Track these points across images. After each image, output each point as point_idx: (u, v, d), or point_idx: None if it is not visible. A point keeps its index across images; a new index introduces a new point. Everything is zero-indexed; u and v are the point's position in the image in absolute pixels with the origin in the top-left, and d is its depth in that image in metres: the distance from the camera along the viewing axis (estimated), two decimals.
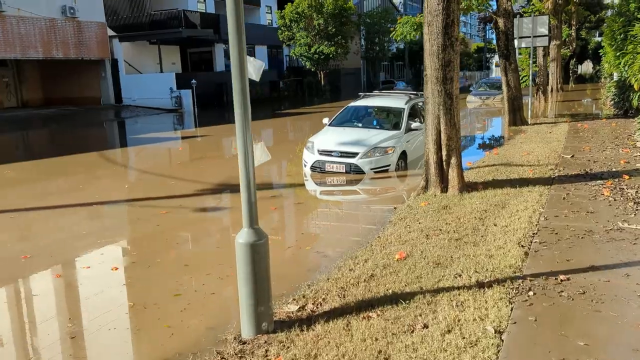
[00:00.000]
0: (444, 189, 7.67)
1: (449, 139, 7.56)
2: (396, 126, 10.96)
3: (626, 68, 14.73)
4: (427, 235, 5.76)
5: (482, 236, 5.57)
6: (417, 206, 7.10)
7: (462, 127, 19.61)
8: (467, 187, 7.89)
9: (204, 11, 38.41)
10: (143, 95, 33.03)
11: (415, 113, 11.79)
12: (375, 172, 10.03)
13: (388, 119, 11.46)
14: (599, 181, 7.80)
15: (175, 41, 36.07)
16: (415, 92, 12.99)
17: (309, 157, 10.45)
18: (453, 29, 7.29)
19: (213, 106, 33.33)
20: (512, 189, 7.66)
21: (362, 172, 10.01)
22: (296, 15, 34.62)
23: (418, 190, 7.91)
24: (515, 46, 17.22)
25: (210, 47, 39.18)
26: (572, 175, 8.41)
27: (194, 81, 31.01)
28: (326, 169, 10.19)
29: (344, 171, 10.05)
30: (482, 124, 20.03)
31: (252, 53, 43.21)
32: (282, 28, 36.33)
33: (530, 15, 17.83)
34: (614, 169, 8.66)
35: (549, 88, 30.75)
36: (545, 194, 7.27)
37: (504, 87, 15.92)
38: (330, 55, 35.73)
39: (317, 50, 35.41)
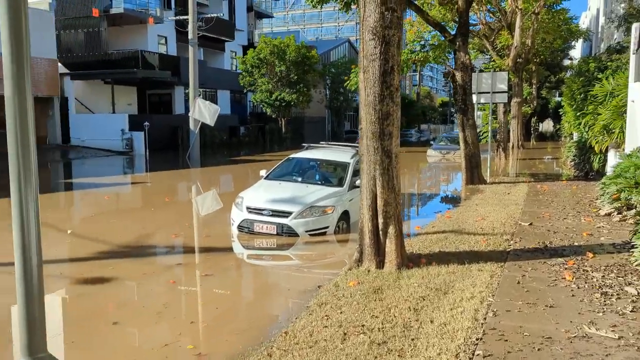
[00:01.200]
0: (380, 263, 6.42)
1: (386, 204, 6.38)
2: (340, 182, 9.80)
3: (586, 129, 14.14)
4: (344, 334, 4.45)
5: (412, 340, 4.29)
6: (345, 286, 5.81)
7: (417, 183, 18.82)
8: (409, 260, 6.67)
9: (165, 53, 37.53)
10: (93, 136, 31.42)
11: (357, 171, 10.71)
12: (311, 234, 8.76)
13: (331, 174, 10.31)
14: (560, 259, 6.69)
15: (131, 82, 34.84)
16: (354, 146, 11.94)
17: (237, 215, 9.13)
18: (392, 76, 6.24)
19: (167, 149, 31.86)
20: (460, 265, 6.46)
21: (296, 235, 8.72)
22: (258, 61, 34.00)
23: (351, 263, 6.64)
24: (474, 101, 16.58)
25: (170, 89, 38.10)
26: (529, 249, 7.30)
27: (146, 123, 29.65)
28: (255, 230, 8.86)
29: (275, 233, 8.74)
30: (439, 181, 19.09)
31: (214, 97, 42.28)
32: (244, 73, 35.58)
33: (490, 71, 17.32)
34: (576, 243, 7.60)
35: (510, 145, 30.53)
36: (497, 274, 6.10)
37: (462, 144, 15.10)
38: (292, 103, 35.03)
39: (279, 97, 34.68)
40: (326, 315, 4.95)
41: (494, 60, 24.35)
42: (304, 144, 11.55)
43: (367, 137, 6.39)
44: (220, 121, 39.47)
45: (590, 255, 6.84)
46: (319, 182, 9.97)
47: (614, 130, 12.30)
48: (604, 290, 5.41)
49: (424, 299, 5.24)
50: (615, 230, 8.44)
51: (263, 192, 9.49)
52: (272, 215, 8.78)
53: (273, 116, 36.87)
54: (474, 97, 16.60)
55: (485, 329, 4.42)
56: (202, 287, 6.36)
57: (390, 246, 6.38)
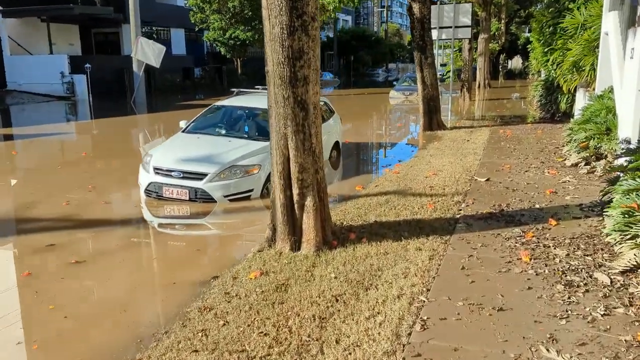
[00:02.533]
0: (296, 244, 5.11)
1: (301, 170, 5.00)
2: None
3: (554, 67, 12.84)
4: None
5: None
6: (245, 279, 4.51)
7: (371, 130, 17.38)
8: (335, 236, 5.40)
9: None
10: (31, 80, 28.84)
11: None
12: (231, 200, 7.38)
13: (262, 126, 8.82)
14: (517, 229, 5.50)
15: (71, 19, 31.82)
16: None
17: (144, 177, 7.67)
18: (306, 1, 4.70)
19: (113, 94, 29.51)
20: (396, 242, 5.22)
21: (213, 200, 7.33)
22: None
23: (261, 243, 5.32)
24: (434, 37, 15.04)
25: (117, 28, 35.11)
26: (482, 215, 6.09)
27: (88, 65, 27.14)
28: (164, 195, 7.43)
29: (188, 198, 7.33)
30: (396, 127, 17.66)
31: (166, 37, 39.40)
32: (195, 9, 32.83)
33: (452, 3, 15.69)
34: (537, 205, 6.43)
35: (476, 84, 29.26)
36: (439, 254, 4.88)
37: (419, 85, 13.68)
38: (247, 42, 32.66)
39: (232, 35, 32.23)
40: (203, 330, 3.66)
41: None
42: (233, 89, 9.97)
43: (274, 83, 4.91)
44: (173, 62, 36.92)
45: (553, 222, 5.67)
46: (246, 136, 8.49)
47: (584, 68, 11.03)
48: (568, 277, 4.24)
49: (337, 300, 3.98)
50: (583, 186, 7.31)
51: (176, 149, 7.99)
52: (183, 178, 7.34)
53: (228, 56, 34.46)
54: (434, 33, 15.05)
55: (406, 356, 3.19)
56: (61, 282, 4.96)
57: (308, 222, 5.06)
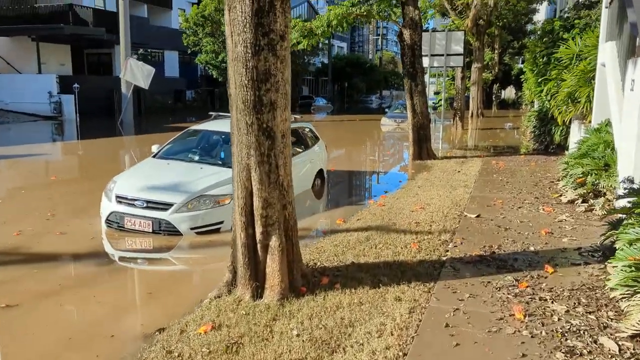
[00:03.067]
0: (258, 290, 4.48)
1: (266, 205, 4.41)
2: None
3: (549, 97, 12.43)
4: None
5: None
6: (193, 335, 3.87)
7: (359, 158, 16.87)
8: (305, 280, 4.79)
9: (102, 8, 34.17)
10: (18, 99, 28.31)
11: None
12: (199, 232, 6.76)
13: None
14: (509, 277, 4.90)
15: (62, 39, 31.46)
16: (294, 116, 9.93)
17: (106, 206, 7.05)
18: (273, 16, 4.18)
19: (102, 114, 28.99)
20: (374, 290, 4.61)
21: (179, 233, 6.70)
22: (202, 19, 31.07)
23: (220, 288, 4.68)
24: (425, 65, 14.68)
25: (110, 48, 34.83)
26: (471, 258, 5.49)
27: (76, 85, 26.70)
28: (126, 226, 6.79)
29: (151, 230, 6.70)
30: (386, 155, 17.14)
31: (159, 59, 39.22)
32: (187, 32, 32.62)
33: (444, 30, 15.38)
34: (531, 248, 5.84)
35: (469, 113, 28.98)
36: (420, 306, 4.26)
37: (409, 113, 13.22)
38: None
39: (225, 58, 31.99)
40: None
41: (453, 22, 22.43)
42: (211, 112, 9.43)
43: (236, 107, 4.35)
44: (165, 84, 36.60)
45: (550, 269, 5.08)
46: (221, 163, 7.91)
47: (579, 100, 10.61)
48: (569, 342, 3.62)
49: None
50: (581, 227, 6.74)
51: (142, 176, 7.40)
52: (147, 208, 6.72)
53: (220, 79, 34.17)
54: (426, 60, 14.69)
55: None
56: None
57: (272, 266, 4.44)
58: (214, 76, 34.23)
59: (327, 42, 53.93)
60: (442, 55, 15.17)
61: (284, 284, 4.43)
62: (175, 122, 27.30)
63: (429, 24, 23.16)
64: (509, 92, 54.96)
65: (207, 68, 34.32)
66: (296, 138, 9.72)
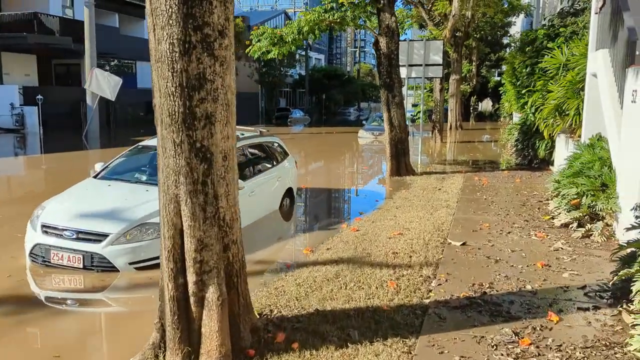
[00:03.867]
0: (191, 356, 3.49)
1: (200, 247, 3.44)
2: None
3: (533, 110, 11.73)
4: None
5: None
6: None
7: (333, 175, 16.01)
8: (258, 336, 3.82)
9: (71, 17, 32.96)
10: None
11: (250, 160, 7.90)
12: (139, 268, 5.73)
13: None
14: (506, 329, 4.00)
15: (26, 49, 30.08)
16: (253, 130, 9.02)
17: (30, 237, 5.98)
18: (208, 7, 3.24)
19: (68, 127, 27.65)
20: (340, 352, 3.67)
21: (115, 269, 5.67)
22: None
23: (144, 351, 3.68)
24: (403, 75, 13.92)
25: (79, 59, 33.48)
26: (458, 302, 4.59)
27: (39, 97, 25.36)
28: (52, 261, 5.74)
29: (82, 266, 5.66)
30: (361, 171, 16.19)
31: (132, 70, 38.02)
32: None
33: (422, 40, 14.66)
34: (528, 286, 4.97)
35: (448, 125, 28.43)
36: None
37: (386, 126, 12.39)
38: None
39: None
40: None
41: (431, 32, 21.84)
42: None
43: (161, 121, 3.39)
44: (137, 95, 35.35)
45: (554, 317, 4.19)
46: None
47: (567, 112, 9.89)
48: None
49: None
50: (581, 257, 5.90)
51: (75, 201, 6.35)
52: (77, 239, 5.68)
53: None
54: (403, 71, 13.93)
55: None
56: None
57: (209, 325, 3.46)
58: None
59: (303, 53, 53.39)
60: (421, 65, 14.45)
61: (224, 347, 3.45)
62: (146, 135, 26.12)
63: (406, 34, 22.53)
64: (486, 104, 54.96)
65: None
66: (263, 153, 8.81)
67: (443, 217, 7.93)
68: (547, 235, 6.81)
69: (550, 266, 5.56)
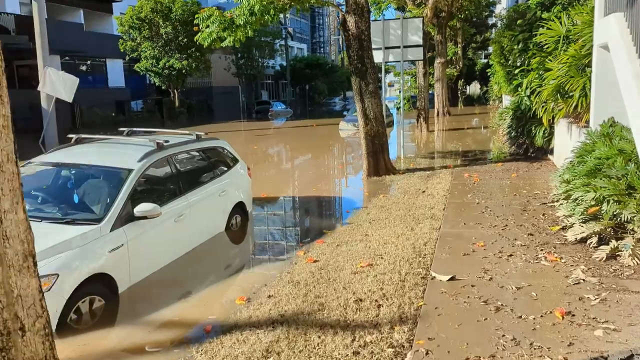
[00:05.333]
0: None
1: None
2: (104, 211, 5.11)
3: (528, 92, 10.10)
4: None
5: None
6: None
7: (307, 174, 14.07)
8: None
9: (29, 14, 30.83)
10: None
11: (177, 175, 6.23)
12: None
13: (91, 195, 5.58)
14: None
15: None
16: (188, 134, 7.33)
17: None
18: None
19: (27, 132, 25.66)
20: None
21: None
22: (138, 22, 28.04)
23: None
24: (379, 60, 12.26)
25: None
26: None
27: None
28: None
29: None
30: (336, 171, 14.29)
31: (102, 68, 35.89)
32: (124, 37, 29.56)
33: (399, 19, 12.95)
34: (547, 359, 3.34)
35: (435, 112, 26.78)
36: None
37: (360, 120, 10.71)
38: (184, 71, 29.48)
39: (167, 64, 29.03)
40: None
41: (410, 11, 20.09)
42: (71, 135, 6.70)
43: None
44: (106, 95, 33.34)
45: None
46: (60, 216, 5.19)
47: (571, 94, 8.25)
48: None
49: None
50: (612, 293, 4.29)
51: None
52: None
53: (163, 87, 31.19)
54: (379, 55, 12.26)
55: None
56: None
57: None
58: (157, 84, 31.20)
59: (283, 43, 51.47)
60: (399, 47, 12.76)
61: None
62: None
63: (383, 14, 20.76)
64: (474, 88, 53.41)
65: (148, 75, 31.27)
66: (201, 163, 7.13)
67: (426, 234, 6.29)
68: (561, 258, 5.20)
69: (573, 315, 3.94)
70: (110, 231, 4.93)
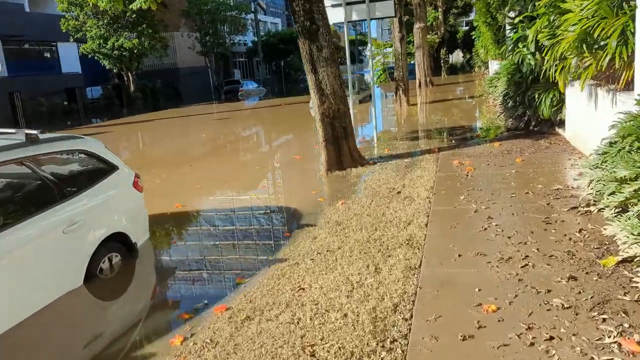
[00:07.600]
0: None
1: None
2: None
3: (533, 48, 7.53)
4: None
5: None
6: None
7: (250, 171, 9.21)
8: None
9: None
10: None
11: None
12: None
13: None
14: None
15: None
16: (13, 132, 4.64)
17: None
18: None
19: None
20: None
21: None
22: None
23: None
24: (338, 19, 9.64)
25: None
26: None
27: None
28: None
29: None
30: (290, 164, 10.89)
31: (54, 53, 32.46)
32: (66, 15, 26.35)
33: None
34: None
35: (417, 83, 24.17)
36: None
37: (313, 96, 8.07)
38: (136, 51, 26.42)
39: (116, 44, 25.93)
40: None
41: None
42: None
43: None
44: (54, 83, 30.16)
45: None
46: None
47: (604, 42, 5.66)
48: None
49: None
50: None
51: None
52: None
53: (114, 70, 28.13)
54: (337, 13, 9.62)
55: None
56: None
57: None
58: (106, 66, 28.11)
59: (253, 18, 48.17)
60: (363, 2, 10.09)
61: None
62: (63, 129, 21.36)
63: None
64: (457, 57, 50.64)
65: (96, 58, 28.12)
66: (32, 180, 4.49)
67: (398, 283, 3.77)
68: (637, 344, 2.69)
69: None
70: None
